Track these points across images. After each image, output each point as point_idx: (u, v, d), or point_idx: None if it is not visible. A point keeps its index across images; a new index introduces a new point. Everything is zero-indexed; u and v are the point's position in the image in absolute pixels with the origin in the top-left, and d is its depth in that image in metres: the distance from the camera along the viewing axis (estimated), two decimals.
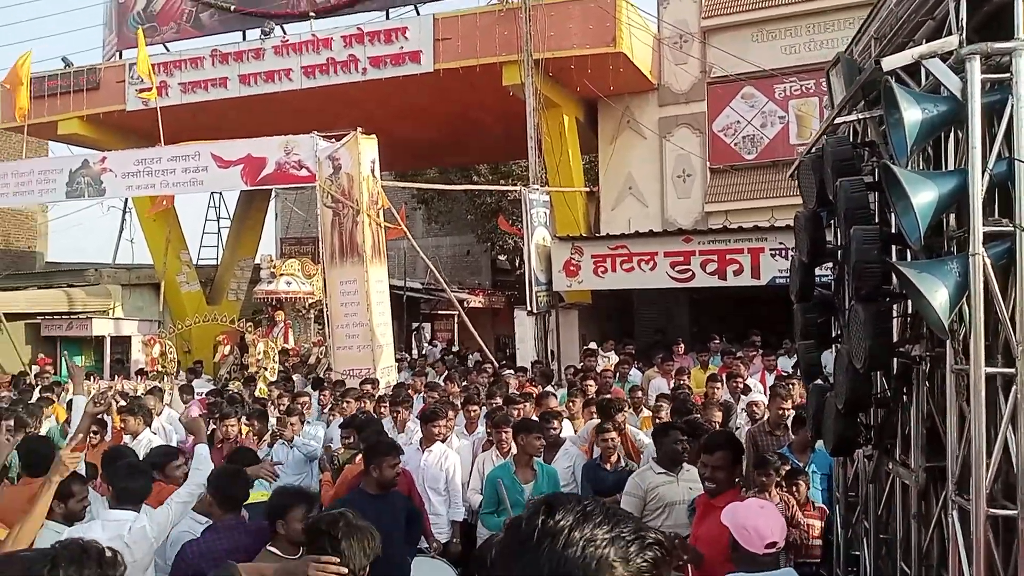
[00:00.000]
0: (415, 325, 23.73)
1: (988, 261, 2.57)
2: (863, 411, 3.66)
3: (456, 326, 24.52)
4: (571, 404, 8.25)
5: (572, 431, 7.45)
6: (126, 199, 18.24)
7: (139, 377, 13.84)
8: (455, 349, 20.48)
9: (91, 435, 6.88)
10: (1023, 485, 2.62)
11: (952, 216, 2.90)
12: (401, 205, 18.44)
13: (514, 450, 6.06)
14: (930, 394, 3.19)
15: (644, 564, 1.19)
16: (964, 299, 2.62)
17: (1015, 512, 2.64)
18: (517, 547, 1.21)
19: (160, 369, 14.98)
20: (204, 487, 4.25)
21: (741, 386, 8.98)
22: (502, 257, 26.10)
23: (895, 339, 3.46)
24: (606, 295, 15.23)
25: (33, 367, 15.75)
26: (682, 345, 13.22)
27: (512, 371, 11.72)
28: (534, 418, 6.75)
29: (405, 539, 5.25)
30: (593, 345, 14.09)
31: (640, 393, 9.03)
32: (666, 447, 5.12)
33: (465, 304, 20.05)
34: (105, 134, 17.40)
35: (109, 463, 4.75)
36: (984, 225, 2.57)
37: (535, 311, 14.19)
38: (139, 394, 10.69)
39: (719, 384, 8.80)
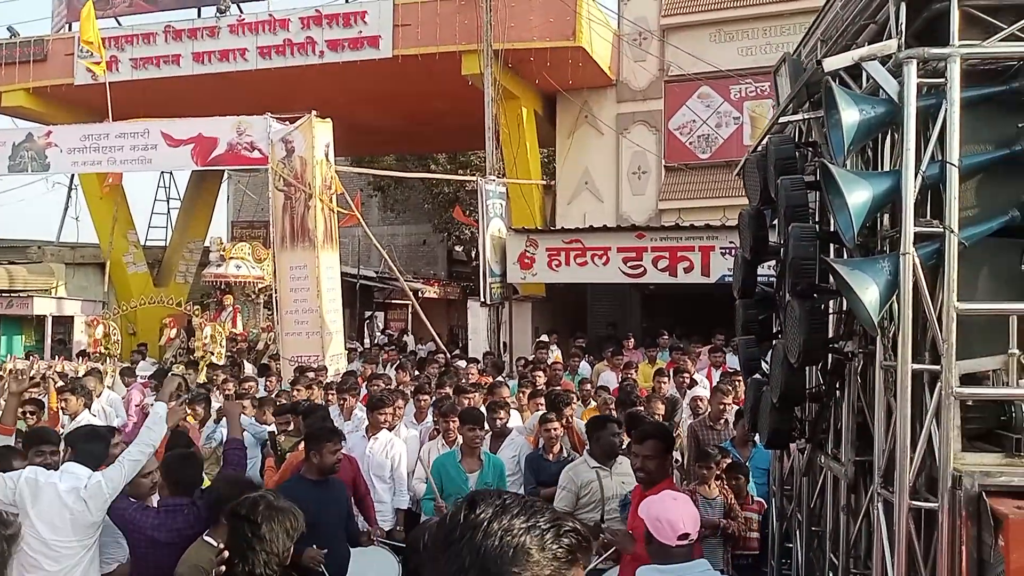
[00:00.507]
0: (368, 314, 23.54)
1: (918, 260, 2.64)
2: (797, 405, 3.74)
3: (410, 316, 24.42)
4: (520, 395, 8.30)
5: (520, 422, 7.49)
6: (72, 175, 17.76)
7: (81, 358, 13.51)
8: (404, 338, 20.42)
9: (27, 416, 6.74)
10: (944, 479, 2.70)
11: (887, 216, 2.98)
12: (357, 192, 18.29)
13: (461, 440, 6.07)
14: (862, 390, 3.27)
15: (560, 551, 1.22)
16: (894, 297, 2.69)
17: (936, 505, 2.72)
18: (443, 541, 1.25)
19: (103, 351, 14.64)
20: (154, 447, 4.19)
21: (687, 381, 9.11)
22: (458, 248, 26.05)
23: (830, 335, 3.54)
24: (560, 288, 15.30)
25: None
26: (632, 340, 13.34)
27: (464, 361, 11.71)
28: (480, 409, 6.76)
29: (346, 526, 5.22)
30: (545, 338, 14.14)
31: (589, 386, 9.10)
32: (603, 440, 5.11)
33: (419, 294, 19.96)
34: (52, 108, 16.91)
35: (31, 442, 4.68)
36: (915, 226, 2.64)
37: (488, 302, 14.19)
38: (79, 375, 10.44)
39: (666, 379, 8.91)
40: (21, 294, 17.50)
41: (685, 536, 3.05)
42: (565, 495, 5.14)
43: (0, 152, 12.81)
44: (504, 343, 14.79)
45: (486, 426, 6.97)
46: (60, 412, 7.77)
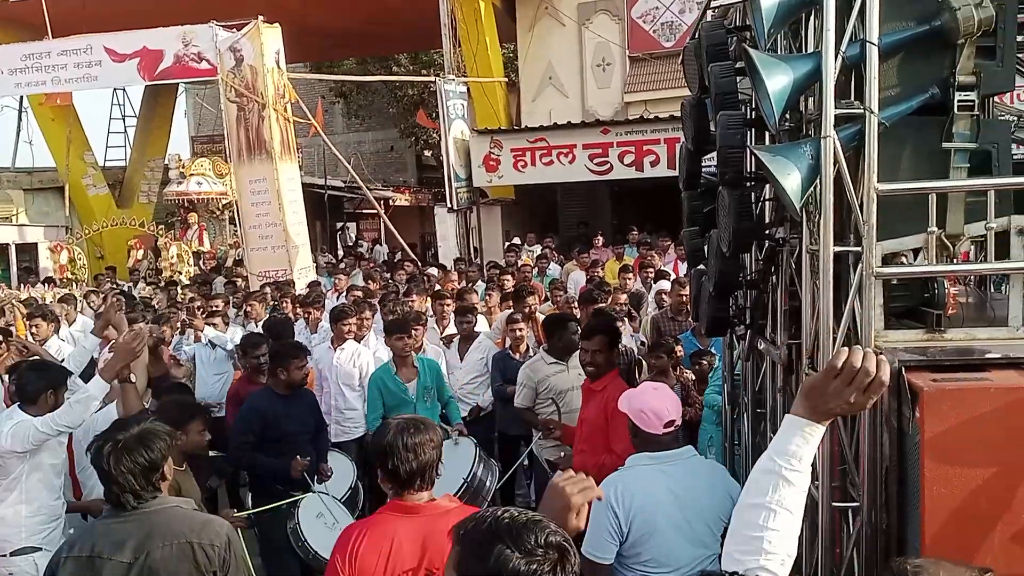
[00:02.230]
0: (339, 225, 23.35)
1: (839, 143, 2.62)
2: (733, 293, 3.79)
3: (382, 225, 24.22)
4: (488, 298, 8.37)
5: (487, 326, 7.60)
6: (21, 97, 17.17)
7: (47, 285, 13.40)
8: (375, 247, 20.34)
9: None
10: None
11: (811, 100, 2.95)
12: (318, 99, 17.87)
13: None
14: (797, 274, 3.31)
15: None
16: (817, 181, 2.69)
17: None
18: None
19: (70, 276, 14.55)
20: (70, 428, 4.11)
21: (652, 275, 9.20)
22: (427, 153, 25.64)
23: (765, 222, 3.56)
24: (529, 190, 15.21)
25: None
26: (600, 238, 13.38)
27: (436, 269, 11.73)
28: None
29: (314, 436, 5.34)
30: (517, 240, 14.15)
31: (559, 287, 9.14)
32: (564, 339, 5.25)
33: (390, 202, 19.80)
34: None
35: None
36: (836, 108, 2.62)
37: (456, 208, 14.12)
38: (47, 302, 10.37)
39: (630, 275, 9.00)
40: None
41: (671, 423, 3.14)
42: (525, 391, 5.40)
43: None
44: (475, 248, 14.79)
45: (452, 329, 7.12)
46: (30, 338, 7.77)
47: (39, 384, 4.21)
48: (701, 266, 4.13)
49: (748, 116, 3.56)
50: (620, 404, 3.31)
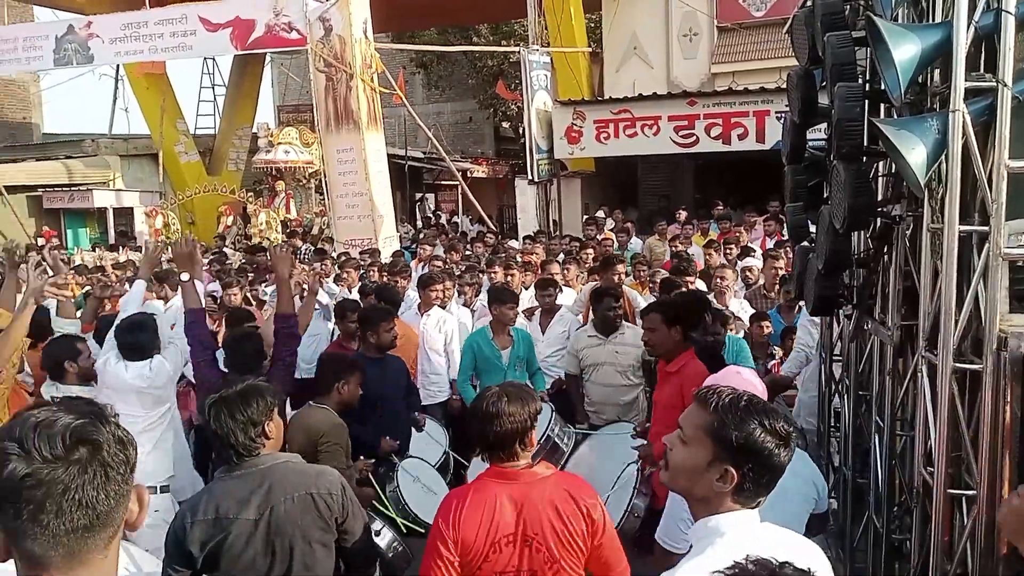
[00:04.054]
0: (418, 196, 23.58)
1: (968, 118, 2.51)
2: (843, 271, 3.68)
3: (460, 196, 24.37)
4: (566, 272, 8.33)
5: (569, 299, 7.58)
6: (118, 66, 17.80)
7: (127, 247, 13.83)
8: (455, 219, 20.45)
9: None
10: (989, 340, 2.66)
11: (937, 72, 2.81)
12: (399, 70, 17.98)
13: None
14: (911, 253, 3.19)
15: None
16: (943, 157, 2.58)
17: (980, 367, 2.70)
18: None
19: (165, 240, 15.09)
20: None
21: (736, 252, 9.00)
22: (505, 124, 25.59)
23: (878, 198, 3.44)
24: (610, 162, 15.05)
25: (39, 239, 15.88)
26: (683, 212, 13.16)
27: (516, 241, 11.76)
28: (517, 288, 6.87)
29: (406, 399, 5.45)
30: (601, 214, 14.05)
31: (642, 262, 9.03)
32: (599, 313, 5.49)
33: (468, 174, 19.86)
34: None
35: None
36: (966, 80, 2.49)
37: (536, 180, 14.07)
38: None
39: (714, 251, 8.83)
40: (81, 188, 17.97)
41: None
42: (569, 357, 5.80)
43: (44, 46, 12.85)
44: (554, 221, 14.74)
45: (534, 302, 7.14)
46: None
47: (147, 338, 4.42)
48: (805, 243, 4.02)
49: (864, 88, 3.43)
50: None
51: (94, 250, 14.52)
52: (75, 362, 4.33)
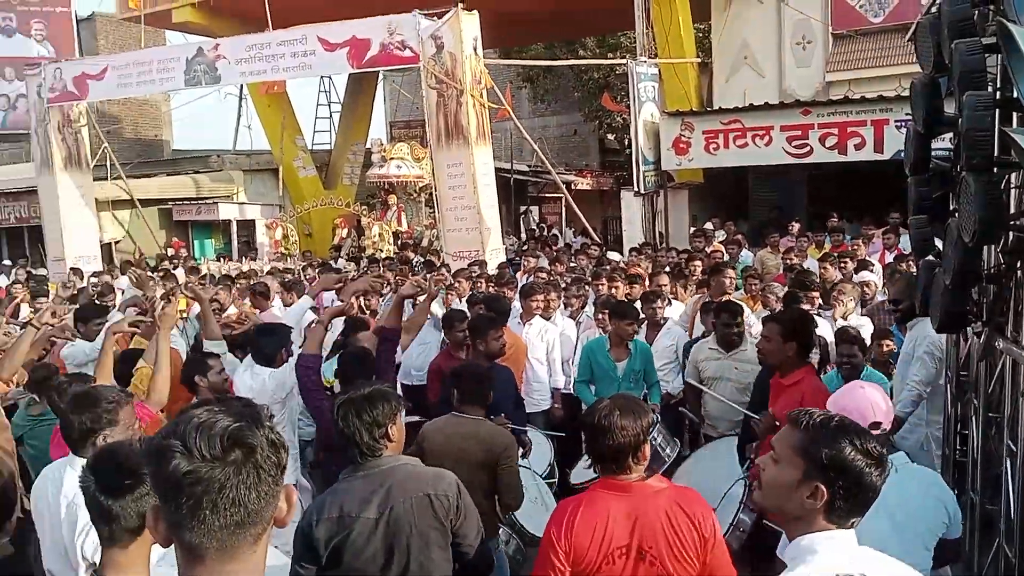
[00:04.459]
0: (523, 208, 23.81)
1: None
2: (973, 287, 3.52)
3: (563, 209, 24.44)
4: (673, 285, 8.25)
5: (677, 313, 7.50)
6: (241, 85, 18.76)
7: (249, 258, 14.48)
8: (553, 231, 20.50)
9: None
10: None
11: None
12: (506, 84, 18.24)
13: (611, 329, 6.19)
14: None
15: None
16: None
17: None
18: None
19: (284, 251, 15.80)
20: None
21: (852, 266, 8.67)
22: (610, 136, 25.53)
23: (1010, 211, 3.28)
24: (719, 173, 14.78)
25: (168, 250, 16.89)
26: (796, 224, 12.80)
27: (616, 253, 11.72)
28: (632, 302, 6.84)
29: (513, 409, 5.51)
30: (710, 226, 13.83)
31: (753, 275, 8.84)
32: (718, 329, 5.52)
33: (572, 186, 19.92)
34: (216, 21, 17.76)
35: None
36: None
37: (642, 191, 13.98)
38: (264, 274, 11.35)
39: (829, 264, 8.55)
40: (208, 201, 19.02)
41: (876, 426, 2.98)
42: (690, 368, 5.81)
43: (176, 67, 13.66)
44: (660, 233, 14.60)
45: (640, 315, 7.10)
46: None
47: (274, 344, 4.66)
48: (931, 256, 3.86)
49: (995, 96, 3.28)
50: (828, 404, 3.19)
51: (219, 260, 15.33)
52: (205, 376, 4.59)
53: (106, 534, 2.11)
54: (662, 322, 6.71)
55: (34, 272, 14.07)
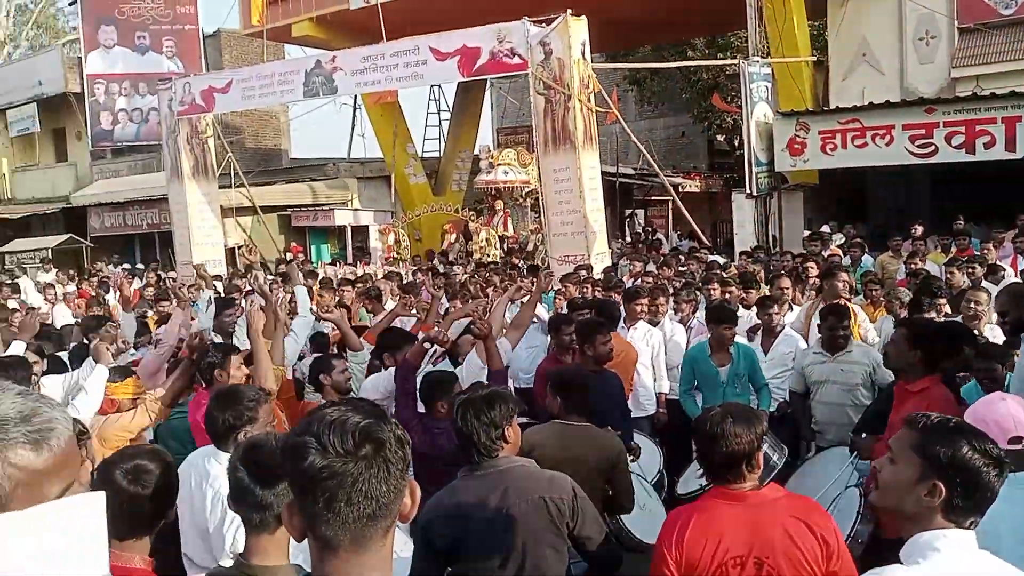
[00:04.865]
0: (628, 212, 23.62)
1: None
2: None
3: (670, 212, 24.13)
4: (793, 290, 8.02)
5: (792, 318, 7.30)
6: (356, 96, 19.41)
7: (363, 262, 14.97)
8: (657, 235, 20.25)
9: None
10: None
11: None
12: (613, 88, 18.17)
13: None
14: None
15: None
16: None
17: None
18: None
19: (396, 256, 16.25)
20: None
21: (981, 271, 8.20)
22: (720, 137, 25.03)
23: None
24: (834, 175, 14.26)
25: (287, 254, 17.63)
26: (919, 227, 12.21)
27: (721, 257, 11.48)
28: (730, 306, 6.71)
29: (622, 415, 5.48)
30: (826, 229, 13.38)
31: (873, 280, 8.50)
32: (823, 331, 5.38)
33: (680, 189, 19.64)
34: (332, 34, 18.46)
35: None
36: None
37: (755, 194, 13.65)
38: (378, 277, 11.69)
39: (956, 269, 8.11)
40: (324, 207, 19.76)
41: (1018, 440, 2.83)
42: (794, 375, 5.70)
43: (295, 80, 14.27)
44: (773, 236, 14.21)
45: (755, 321, 6.93)
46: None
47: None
48: None
49: None
50: (966, 415, 3.04)
51: (334, 264, 15.89)
52: (329, 375, 4.81)
53: (256, 521, 2.24)
54: (779, 328, 6.51)
55: (163, 275, 14.94)
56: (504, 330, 6.06)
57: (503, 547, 2.83)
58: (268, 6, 17.63)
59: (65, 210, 23.33)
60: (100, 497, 1.21)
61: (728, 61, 17.80)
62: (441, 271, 12.52)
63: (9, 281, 15.55)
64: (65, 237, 22.08)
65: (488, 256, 14.12)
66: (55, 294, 12.27)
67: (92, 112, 23.95)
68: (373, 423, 1.36)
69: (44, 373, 5.04)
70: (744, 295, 7.52)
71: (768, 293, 7.50)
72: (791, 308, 7.20)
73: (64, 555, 1.13)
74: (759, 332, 6.65)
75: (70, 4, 29.94)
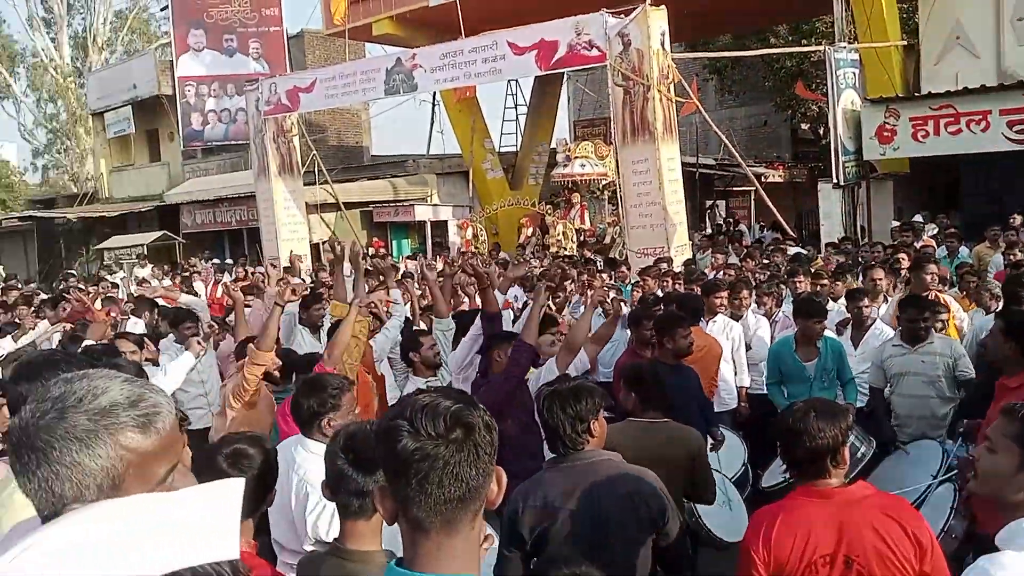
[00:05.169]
0: (708, 203, 23.22)
1: None
2: None
3: (752, 203, 23.60)
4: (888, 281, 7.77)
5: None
6: (434, 92, 19.64)
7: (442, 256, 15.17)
8: (739, 226, 19.83)
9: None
10: None
11: None
12: (692, 77, 17.87)
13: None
14: None
15: None
16: None
17: None
18: None
19: (474, 250, 16.41)
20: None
21: None
22: (804, 126, 24.35)
23: None
24: (927, 162, 13.72)
25: (369, 249, 18.00)
26: (1019, 216, 11.63)
27: (802, 249, 11.18)
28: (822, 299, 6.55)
29: (701, 411, 5.41)
30: (919, 219, 12.91)
31: (969, 272, 8.16)
32: (903, 322, 5.24)
33: (762, 179, 19.23)
34: (412, 31, 18.67)
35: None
36: None
37: (842, 183, 13.28)
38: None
39: None
40: (404, 203, 20.09)
41: None
42: (874, 369, 5.51)
43: (376, 78, 14.52)
44: (862, 227, 13.78)
45: (844, 315, 6.74)
46: None
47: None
48: None
49: None
50: None
51: (414, 258, 16.15)
52: (418, 352, 5.10)
53: (355, 507, 2.33)
54: (869, 322, 6.33)
55: (251, 271, 15.44)
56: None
57: (589, 541, 2.84)
58: (349, 6, 17.99)
59: (159, 208, 24.35)
60: (239, 483, 1.28)
61: (813, 48, 17.27)
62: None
63: (108, 276, 16.32)
64: (159, 234, 23.06)
65: (564, 249, 14.11)
66: (151, 288, 12.80)
67: (183, 113, 24.88)
68: (463, 408, 1.40)
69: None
70: (832, 287, 7.34)
71: (858, 285, 7.30)
72: (886, 300, 6.97)
73: (201, 536, 1.19)
74: (848, 326, 6.48)
75: (162, 9, 31.27)
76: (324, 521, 2.89)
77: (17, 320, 8.43)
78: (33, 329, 6.97)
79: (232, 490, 1.26)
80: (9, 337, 6.83)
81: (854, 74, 13.30)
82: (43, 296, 11.11)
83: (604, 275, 9.85)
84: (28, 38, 36.99)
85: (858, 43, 13.62)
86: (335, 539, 2.35)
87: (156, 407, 1.33)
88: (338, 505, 2.37)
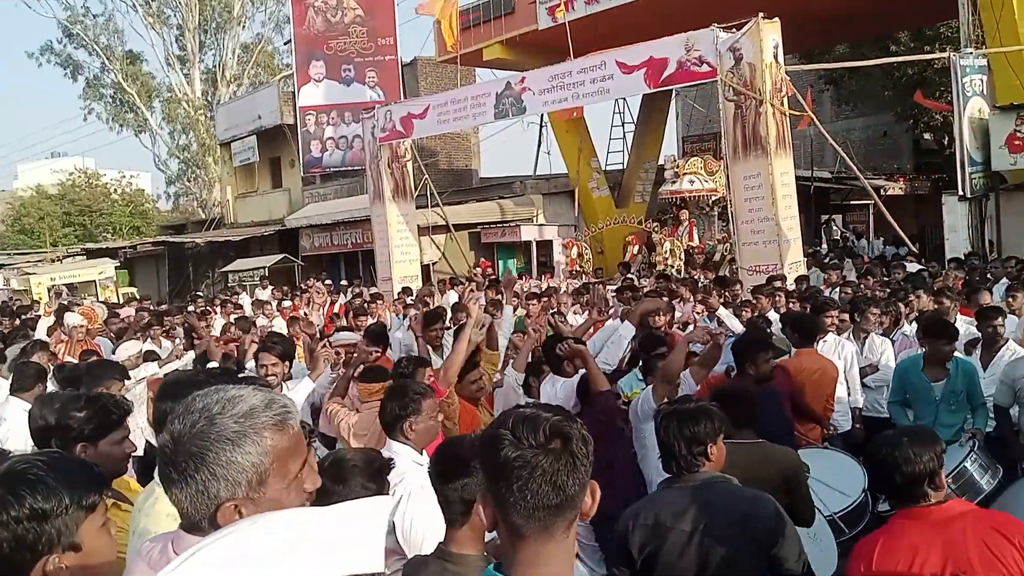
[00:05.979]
0: (824, 217, 22.45)
1: None
2: None
3: (871, 216, 22.66)
4: (1011, 300, 7.36)
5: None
6: (542, 114, 19.85)
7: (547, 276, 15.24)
8: (860, 241, 19.00)
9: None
10: None
11: None
12: (807, 89, 17.38)
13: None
14: None
15: None
16: None
17: None
18: None
19: (579, 269, 16.44)
20: None
21: None
22: (927, 136, 23.25)
23: None
24: None
25: (476, 270, 18.30)
26: None
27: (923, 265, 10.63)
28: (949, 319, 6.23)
29: (787, 435, 5.20)
30: None
31: None
32: None
33: (881, 192, 18.48)
34: (522, 55, 18.97)
35: None
36: None
37: (968, 195, 12.63)
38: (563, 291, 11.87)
39: None
40: (511, 224, 20.34)
41: None
42: (1001, 387, 5.29)
43: (487, 102, 14.81)
44: (990, 241, 13.03)
45: (974, 333, 6.40)
46: None
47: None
48: None
49: None
50: None
51: (520, 278, 16.31)
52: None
53: (446, 515, 2.46)
54: (1001, 342, 6.00)
55: (366, 292, 15.94)
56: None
57: (700, 563, 2.81)
58: (461, 32, 18.45)
59: (280, 231, 25.51)
60: (387, 501, 1.40)
61: (937, 55, 16.51)
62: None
63: (231, 298, 17.19)
64: (280, 257, 24.14)
65: (672, 267, 13.93)
66: (272, 309, 13.39)
67: (304, 141, 26.03)
68: (562, 420, 1.49)
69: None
70: (959, 305, 6.99)
71: (989, 303, 6.93)
72: (1016, 316, 6.60)
73: (349, 550, 1.31)
74: (978, 346, 6.16)
75: (285, 43, 32.88)
76: (408, 525, 2.96)
77: (151, 337, 9.06)
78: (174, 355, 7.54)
79: (379, 507, 1.37)
80: (155, 363, 7.35)
81: (982, 80, 12.65)
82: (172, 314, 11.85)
83: (714, 294, 9.67)
84: (164, 75, 39.59)
85: (986, 48, 12.94)
86: (440, 543, 2.46)
87: (286, 407, 1.54)
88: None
